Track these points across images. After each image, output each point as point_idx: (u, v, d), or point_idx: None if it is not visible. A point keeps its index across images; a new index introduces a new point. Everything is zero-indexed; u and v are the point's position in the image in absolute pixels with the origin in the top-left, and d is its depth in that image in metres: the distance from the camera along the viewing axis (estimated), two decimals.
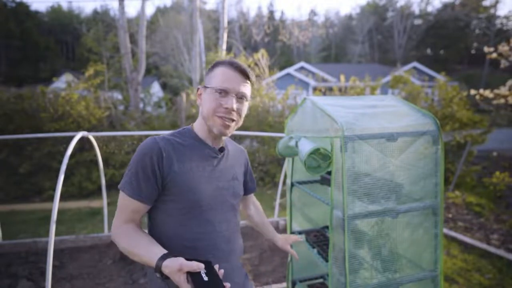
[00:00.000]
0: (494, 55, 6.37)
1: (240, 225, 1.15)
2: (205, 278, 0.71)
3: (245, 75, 0.98)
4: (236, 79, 0.97)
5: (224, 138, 1.06)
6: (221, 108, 0.95)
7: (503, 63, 6.67)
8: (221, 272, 0.76)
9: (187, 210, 0.96)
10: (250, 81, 1.01)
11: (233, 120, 0.98)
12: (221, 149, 1.06)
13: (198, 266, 0.72)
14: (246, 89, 0.99)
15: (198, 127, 1.05)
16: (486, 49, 6.54)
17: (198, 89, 1.04)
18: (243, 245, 1.18)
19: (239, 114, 0.99)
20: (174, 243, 0.96)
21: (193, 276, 0.71)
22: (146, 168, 0.91)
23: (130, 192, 0.91)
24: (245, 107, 1.02)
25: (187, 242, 0.96)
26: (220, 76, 0.97)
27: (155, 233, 1.00)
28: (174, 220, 0.97)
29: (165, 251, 0.82)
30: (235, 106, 0.95)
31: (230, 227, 1.06)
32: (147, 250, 0.83)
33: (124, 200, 0.93)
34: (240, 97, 0.98)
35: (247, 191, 1.27)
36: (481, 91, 6.14)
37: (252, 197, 1.38)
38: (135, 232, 0.91)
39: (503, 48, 6.20)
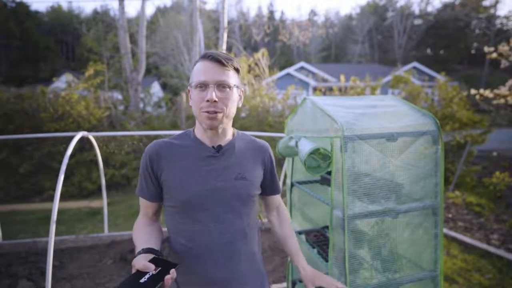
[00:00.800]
0: (494, 55, 6.37)
1: (251, 229, 1.06)
2: (143, 279, 0.70)
3: (221, 63, 0.93)
4: (213, 69, 0.93)
5: (220, 132, 1.00)
6: (204, 102, 0.92)
7: (503, 63, 6.66)
8: (167, 278, 0.72)
9: (180, 209, 0.99)
10: (230, 67, 0.96)
11: (218, 112, 0.93)
12: (220, 147, 1.02)
13: (145, 267, 0.74)
14: (227, 76, 0.94)
15: (196, 128, 1.05)
16: (486, 49, 6.54)
17: (188, 90, 1.01)
18: (255, 251, 1.08)
19: (224, 104, 0.94)
20: (175, 241, 1.02)
21: (137, 274, 0.73)
22: (144, 170, 1.01)
23: (138, 192, 1.04)
24: (232, 95, 0.96)
25: (184, 241, 0.99)
26: (198, 71, 0.95)
27: (168, 229, 1.06)
28: (173, 218, 1.02)
29: (145, 247, 0.86)
30: (214, 95, 0.91)
31: (230, 230, 0.99)
32: (140, 244, 0.90)
33: (139, 197, 1.06)
34: (222, 86, 0.93)
35: (266, 192, 1.16)
36: (481, 91, 6.13)
37: (277, 201, 1.23)
38: (143, 227, 1.01)
39: (503, 48, 6.20)
